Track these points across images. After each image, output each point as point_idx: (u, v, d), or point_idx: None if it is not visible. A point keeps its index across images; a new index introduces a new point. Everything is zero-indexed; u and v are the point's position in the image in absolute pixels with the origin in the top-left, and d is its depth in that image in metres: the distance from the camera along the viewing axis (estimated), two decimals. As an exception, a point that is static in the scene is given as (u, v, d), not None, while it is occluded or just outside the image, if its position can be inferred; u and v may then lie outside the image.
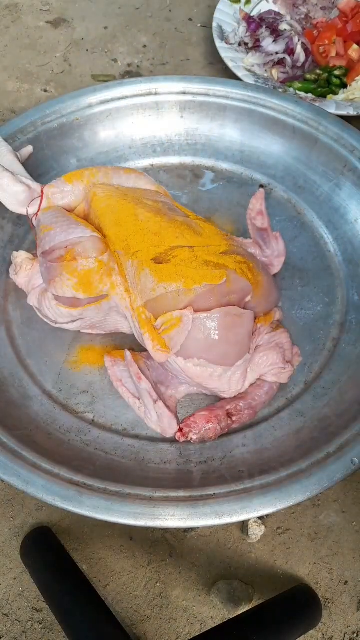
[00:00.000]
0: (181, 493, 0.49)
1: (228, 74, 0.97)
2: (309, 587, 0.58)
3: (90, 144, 0.81)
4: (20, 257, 0.68)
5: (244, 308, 0.56)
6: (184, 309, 0.53)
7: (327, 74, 0.95)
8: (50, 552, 0.58)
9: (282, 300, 0.67)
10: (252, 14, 1.05)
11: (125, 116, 0.81)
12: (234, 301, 0.54)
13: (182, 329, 0.52)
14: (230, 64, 0.96)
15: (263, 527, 0.60)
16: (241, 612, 0.56)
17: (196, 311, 0.53)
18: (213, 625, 0.55)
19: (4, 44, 1.12)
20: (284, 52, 0.98)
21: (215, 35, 1.00)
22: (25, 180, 0.64)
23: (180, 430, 0.56)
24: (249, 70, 0.96)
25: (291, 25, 1.01)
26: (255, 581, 0.58)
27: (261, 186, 0.78)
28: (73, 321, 0.61)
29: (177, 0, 1.20)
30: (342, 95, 0.93)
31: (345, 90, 0.94)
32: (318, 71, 0.96)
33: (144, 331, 0.55)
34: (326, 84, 0.94)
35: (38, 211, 0.64)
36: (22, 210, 0.64)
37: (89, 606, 0.53)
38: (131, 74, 1.06)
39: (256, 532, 0.59)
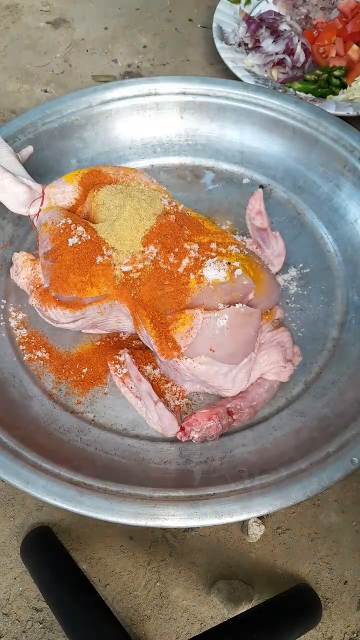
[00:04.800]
0: (181, 493, 0.49)
1: (228, 75, 0.97)
2: (309, 586, 0.58)
3: (91, 144, 0.81)
4: (21, 257, 0.68)
5: (247, 305, 0.56)
6: (188, 306, 0.53)
7: (326, 75, 0.95)
8: (50, 552, 0.58)
9: (281, 299, 0.67)
10: (252, 15, 1.05)
11: (125, 116, 0.81)
12: (237, 298, 0.54)
13: (193, 327, 0.52)
14: (230, 65, 0.96)
15: (263, 527, 0.60)
16: (241, 611, 0.56)
17: (205, 310, 0.53)
18: (213, 625, 0.55)
19: (4, 44, 1.12)
20: (284, 52, 0.98)
21: (215, 36, 1.00)
22: (26, 180, 0.64)
23: (182, 429, 0.56)
24: (249, 71, 0.96)
25: (291, 26, 1.01)
26: (255, 581, 0.58)
27: (261, 186, 0.78)
28: (75, 321, 0.61)
29: (177, 1, 1.20)
30: (341, 95, 0.93)
31: (344, 90, 0.94)
32: (318, 71, 0.96)
33: (149, 329, 0.54)
34: (326, 84, 0.94)
35: (39, 212, 0.64)
36: (23, 211, 0.64)
37: (89, 606, 0.53)
38: (131, 74, 1.06)
39: (256, 531, 0.59)
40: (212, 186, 0.80)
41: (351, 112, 0.87)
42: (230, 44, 1.01)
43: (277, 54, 0.98)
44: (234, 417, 0.57)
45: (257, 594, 0.58)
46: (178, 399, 0.60)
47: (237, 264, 0.55)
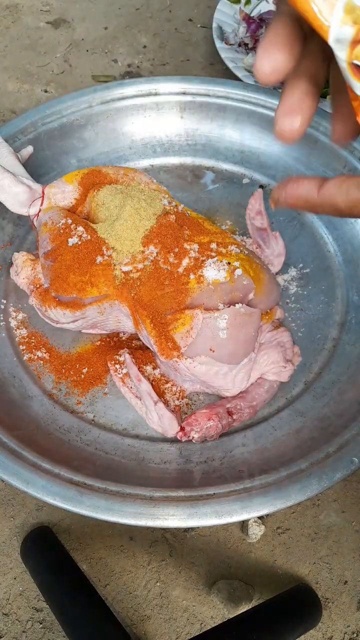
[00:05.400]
0: (181, 493, 0.49)
1: (228, 75, 0.97)
2: (309, 586, 0.58)
3: (91, 144, 0.81)
4: (21, 257, 0.68)
5: (247, 305, 0.56)
6: (188, 306, 0.53)
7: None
8: (50, 552, 0.58)
9: (281, 299, 0.67)
10: (252, 15, 1.05)
11: (125, 116, 0.81)
12: (237, 298, 0.54)
13: (193, 327, 0.52)
14: (230, 65, 0.96)
15: (263, 527, 0.60)
16: (241, 611, 0.56)
17: (205, 310, 0.53)
18: (213, 625, 0.55)
19: (4, 44, 1.12)
20: (284, 52, 0.98)
21: (215, 36, 1.00)
22: (26, 180, 0.64)
23: (182, 429, 0.56)
24: (249, 71, 0.96)
25: (291, 26, 1.01)
26: (255, 581, 0.58)
27: (261, 186, 0.78)
28: (75, 321, 0.61)
29: (177, 1, 1.20)
30: (342, 95, 0.93)
31: (345, 90, 0.94)
32: (318, 71, 0.96)
33: (149, 329, 0.55)
34: (326, 84, 0.94)
35: (39, 212, 0.64)
36: (23, 211, 0.65)
37: (89, 606, 0.53)
38: (131, 74, 1.06)
39: (256, 531, 0.59)
40: (212, 186, 0.80)
41: (351, 112, 0.87)
42: (230, 44, 1.01)
43: (277, 54, 0.98)
44: (234, 417, 0.57)
45: (257, 594, 0.58)
46: (178, 399, 0.60)
47: (237, 264, 0.55)
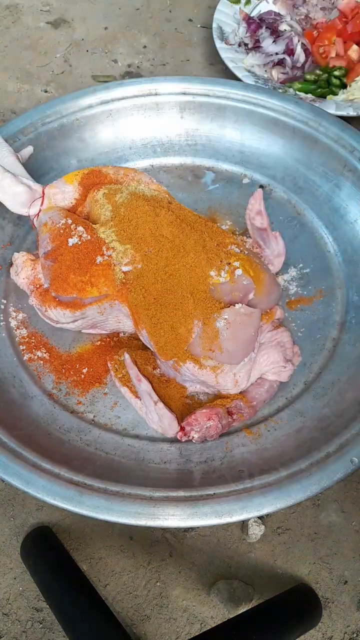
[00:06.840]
0: (181, 493, 0.49)
1: (228, 75, 0.97)
2: (309, 586, 0.58)
3: (91, 144, 0.81)
4: (21, 257, 0.68)
5: (247, 305, 0.56)
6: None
7: (327, 75, 0.95)
8: (50, 552, 0.58)
9: (281, 299, 0.67)
10: (252, 15, 1.05)
11: (125, 116, 0.81)
12: (237, 298, 0.54)
13: (192, 328, 0.52)
14: (230, 65, 0.96)
15: (263, 527, 0.60)
16: (241, 611, 0.56)
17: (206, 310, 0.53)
18: (213, 625, 0.55)
19: (4, 44, 1.12)
20: (284, 52, 0.98)
21: (215, 36, 1.00)
22: (26, 181, 0.64)
23: (182, 429, 0.56)
24: (249, 71, 0.96)
25: (291, 26, 1.01)
26: (255, 581, 0.58)
27: (261, 186, 0.78)
28: (75, 321, 0.61)
29: (178, 1, 1.20)
30: (341, 95, 0.93)
31: (345, 90, 0.94)
32: (318, 72, 0.96)
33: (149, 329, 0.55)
34: (326, 84, 0.94)
35: (39, 212, 0.64)
36: (23, 211, 0.65)
37: (89, 606, 0.53)
38: (131, 74, 1.06)
39: (256, 531, 0.59)
40: (212, 186, 0.80)
41: (351, 112, 0.87)
42: (230, 44, 1.01)
43: (277, 54, 0.98)
44: (234, 417, 0.57)
45: (257, 594, 0.58)
46: (178, 399, 0.60)
47: (237, 264, 0.55)
